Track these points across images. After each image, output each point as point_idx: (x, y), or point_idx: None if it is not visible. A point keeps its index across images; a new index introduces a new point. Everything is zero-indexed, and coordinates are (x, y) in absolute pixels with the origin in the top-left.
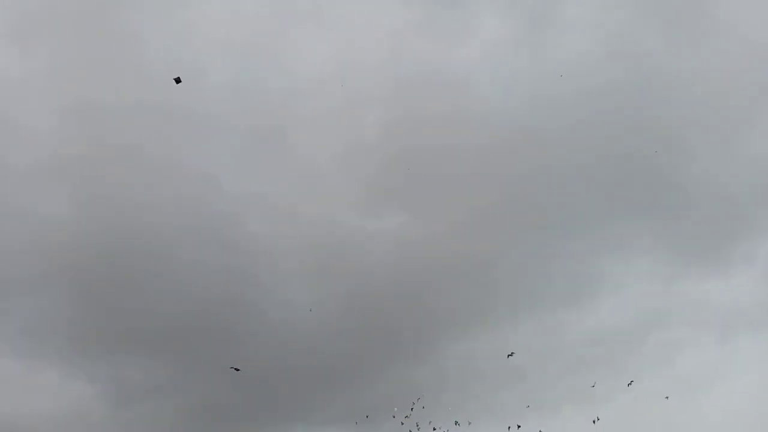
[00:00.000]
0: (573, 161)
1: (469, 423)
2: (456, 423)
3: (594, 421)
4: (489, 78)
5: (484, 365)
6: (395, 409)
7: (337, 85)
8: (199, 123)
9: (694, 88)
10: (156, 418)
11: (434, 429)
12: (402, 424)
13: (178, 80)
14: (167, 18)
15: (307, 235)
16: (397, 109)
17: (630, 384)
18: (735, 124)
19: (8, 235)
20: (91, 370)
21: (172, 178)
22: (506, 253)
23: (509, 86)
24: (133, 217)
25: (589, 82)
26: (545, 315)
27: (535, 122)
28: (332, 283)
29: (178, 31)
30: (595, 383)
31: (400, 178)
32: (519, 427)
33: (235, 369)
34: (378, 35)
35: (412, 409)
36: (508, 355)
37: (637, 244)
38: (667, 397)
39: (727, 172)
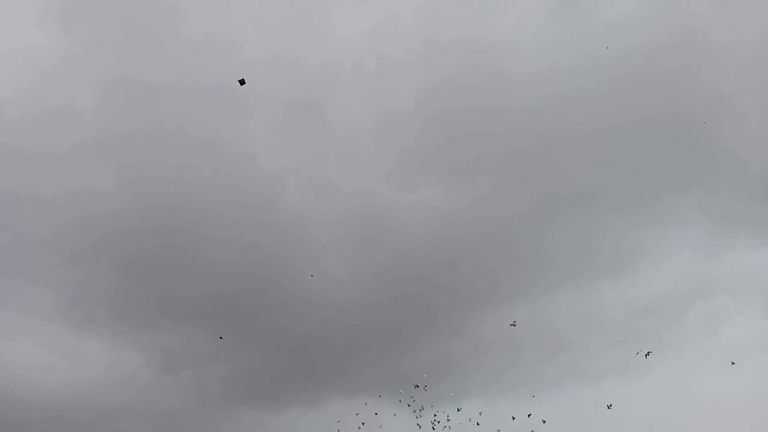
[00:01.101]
0: (615, 128)
1: (480, 413)
2: (458, 410)
3: (608, 407)
4: (527, 43)
5: (523, 337)
6: (401, 391)
7: (373, 56)
8: (237, 98)
9: (741, 51)
10: (200, 384)
11: (434, 414)
12: (408, 405)
13: (242, 82)
14: None
15: (344, 207)
16: (434, 78)
17: (648, 355)
18: None
19: (58, 211)
20: (138, 339)
21: (211, 153)
22: (546, 223)
23: (548, 51)
24: (176, 192)
25: (630, 46)
26: (587, 286)
27: (574, 88)
28: (369, 255)
29: (215, 6)
30: (639, 351)
31: (436, 148)
32: (529, 415)
33: (220, 337)
34: (414, 2)
35: (417, 387)
36: (511, 324)
37: (681, 213)
38: (733, 363)
39: None
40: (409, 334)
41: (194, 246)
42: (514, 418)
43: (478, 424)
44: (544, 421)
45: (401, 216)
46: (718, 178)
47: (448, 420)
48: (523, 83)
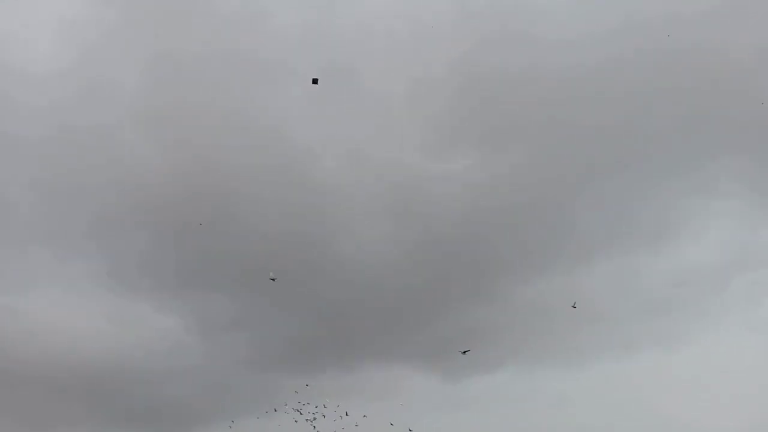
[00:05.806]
0: (654, 95)
1: (345, 412)
2: (324, 406)
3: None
4: (562, 8)
5: (555, 308)
6: (298, 402)
7: (404, 20)
8: (269, 67)
9: None
10: (238, 348)
11: (299, 411)
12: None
13: (315, 81)
14: None
15: (379, 178)
16: (467, 43)
17: (574, 305)
18: None
19: (104, 182)
20: (179, 305)
21: (247, 124)
22: (583, 191)
23: (584, 16)
24: (215, 164)
25: (669, 13)
26: (625, 256)
27: (611, 54)
28: (403, 225)
29: None
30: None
31: (470, 115)
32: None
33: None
34: None
35: (307, 385)
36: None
37: (722, 182)
38: None
39: None
40: (443, 304)
41: (233, 214)
42: (392, 425)
43: (357, 425)
44: None
45: (435, 186)
46: (761, 146)
47: (324, 417)
48: (559, 49)
